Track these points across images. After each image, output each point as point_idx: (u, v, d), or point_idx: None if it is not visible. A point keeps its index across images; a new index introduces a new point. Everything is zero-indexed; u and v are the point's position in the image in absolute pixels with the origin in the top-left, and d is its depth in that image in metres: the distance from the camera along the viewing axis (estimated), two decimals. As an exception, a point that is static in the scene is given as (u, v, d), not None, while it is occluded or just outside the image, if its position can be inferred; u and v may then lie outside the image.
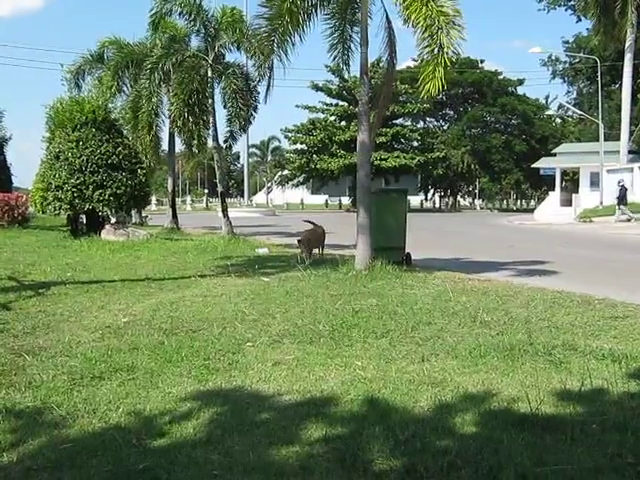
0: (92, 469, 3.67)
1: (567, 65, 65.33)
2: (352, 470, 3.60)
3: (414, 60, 52.07)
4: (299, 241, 14.25)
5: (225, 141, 23.40)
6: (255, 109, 23.29)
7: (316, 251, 14.65)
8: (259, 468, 3.66)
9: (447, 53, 10.93)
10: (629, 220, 33.16)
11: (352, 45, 13.48)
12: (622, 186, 35.05)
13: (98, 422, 4.41)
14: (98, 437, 4.13)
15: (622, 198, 34.54)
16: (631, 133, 42.73)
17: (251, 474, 3.60)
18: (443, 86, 11.20)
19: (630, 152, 42.48)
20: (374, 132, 14.95)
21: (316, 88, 63.81)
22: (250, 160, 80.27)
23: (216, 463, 3.73)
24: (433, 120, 79.44)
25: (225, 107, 23.01)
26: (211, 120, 22.68)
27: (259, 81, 17.92)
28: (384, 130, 59.58)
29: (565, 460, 3.70)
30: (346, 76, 58.80)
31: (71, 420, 4.44)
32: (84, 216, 21.82)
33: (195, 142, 24.16)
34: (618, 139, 42.28)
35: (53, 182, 20.40)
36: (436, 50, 10.99)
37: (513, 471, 3.53)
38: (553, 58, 65.84)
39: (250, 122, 23.90)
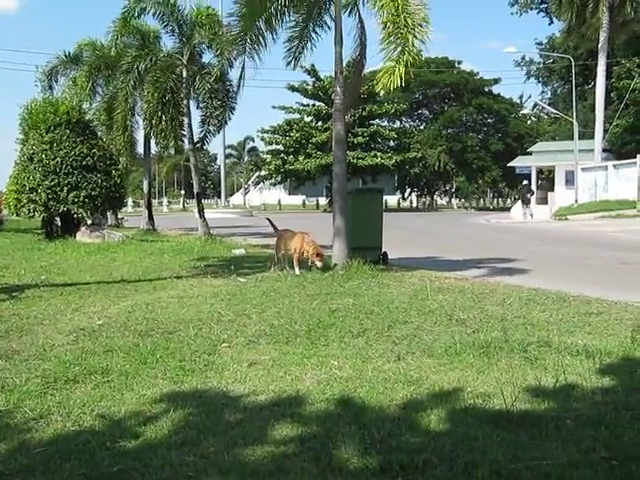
0: (66, 473, 3.64)
1: (541, 66, 65.85)
2: (327, 469, 3.59)
3: (388, 59, 52.10)
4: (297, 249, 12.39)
5: (199, 142, 23.29)
6: (232, 110, 23.23)
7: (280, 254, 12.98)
8: (234, 469, 3.63)
9: (409, 53, 10.95)
10: (524, 218, 37.99)
11: (309, 44, 13.75)
12: (524, 187, 40.34)
13: (72, 425, 4.36)
14: (72, 440, 4.08)
15: (524, 199, 39.28)
16: (605, 132, 43.12)
17: (226, 475, 3.58)
18: (399, 84, 11.21)
19: (604, 150, 42.89)
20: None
21: (292, 89, 63.68)
22: (227, 161, 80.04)
23: (191, 465, 3.71)
24: (409, 120, 79.64)
25: (199, 107, 22.95)
26: (186, 121, 22.56)
27: (239, 84, 17.90)
28: (361, 130, 59.70)
29: (540, 456, 3.71)
30: (321, 76, 58.90)
31: (44, 424, 4.39)
32: (59, 218, 21.60)
33: (169, 143, 24.00)
34: (592, 138, 42.65)
35: (27, 184, 20.20)
36: (399, 49, 11.03)
37: (488, 468, 3.54)
38: (527, 59, 66.48)
39: (226, 123, 23.85)
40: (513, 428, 4.12)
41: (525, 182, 41.23)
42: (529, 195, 39.33)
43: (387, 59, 11.27)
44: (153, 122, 21.43)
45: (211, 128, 23.05)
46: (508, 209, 55.26)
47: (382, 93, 11.98)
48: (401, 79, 11.07)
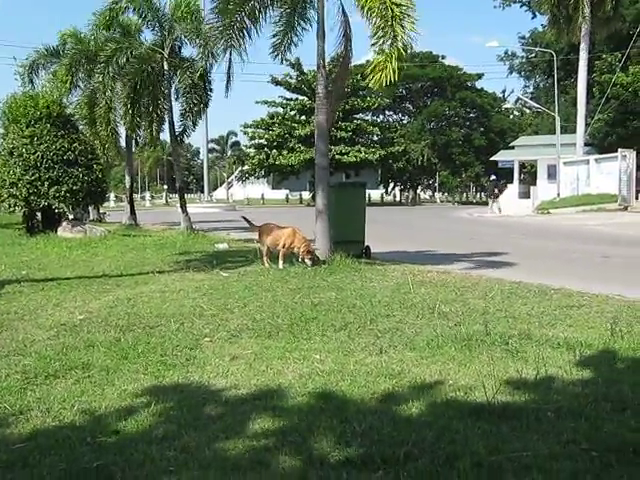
0: (45, 468, 3.62)
1: (524, 60, 66.07)
2: (309, 463, 3.59)
3: (375, 52, 52.23)
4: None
5: (179, 135, 23.18)
6: (206, 104, 23.18)
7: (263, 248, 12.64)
8: (215, 463, 3.63)
9: (400, 45, 10.96)
10: (491, 211, 39.53)
11: (295, 38, 13.71)
12: (492, 182, 42.81)
13: (52, 421, 4.35)
14: (52, 436, 4.06)
15: (491, 193, 41.89)
16: (587, 126, 43.35)
17: (207, 469, 3.57)
18: (393, 78, 11.20)
19: (586, 144, 43.14)
20: (330, 127, 15.07)
21: (275, 82, 63.56)
22: (210, 155, 79.89)
23: (172, 459, 3.70)
24: (392, 114, 79.75)
25: (178, 101, 22.84)
26: (167, 115, 22.43)
27: (228, 79, 17.76)
28: (344, 124, 59.66)
29: (520, 448, 3.73)
30: (305, 69, 58.82)
31: (24, 420, 4.37)
32: (40, 213, 21.42)
33: (147, 136, 23.83)
34: (574, 132, 42.84)
35: (7, 179, 19.99)
36: (389, 41, 11.03)
37: (469, 460, 3.55)
38: (510, 53, 66.64)
39: (200, 117, 23.76)
40: (494, 420, 4.14)
41: (493, 177, 43.29)
42: (496, 190, 41.36)
43: (377, 53, 11.28)
44: (128, 114, 21.29)
45: (190, 122, 22.95)
46: (490, 203, 55.54)
47: (375, 88, 11.96)
48: (394, 73, 11.07)
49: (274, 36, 13.61)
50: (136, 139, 25.17)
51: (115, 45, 21.60)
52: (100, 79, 21.65)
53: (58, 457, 3.74)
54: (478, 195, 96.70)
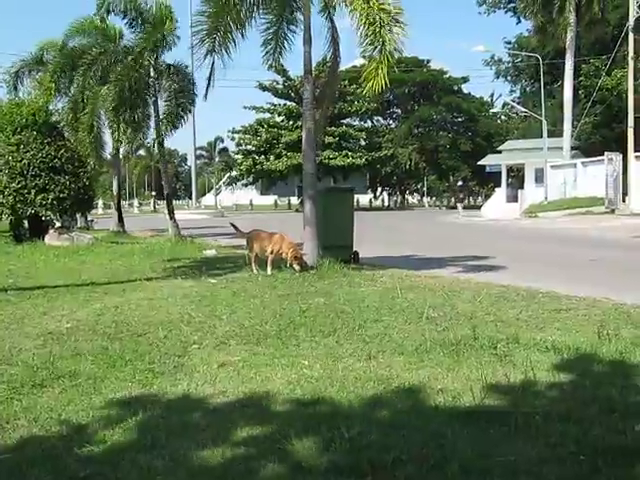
0: (32, 479, 3.58)
1: (510, 65, 66.27)
2: (297, 470, 3.57)
3: (364, 57, 52.42)
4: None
5: (160, 136, 23.14)
6: (186, 110, 23.21)
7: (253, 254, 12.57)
8: (204, 472, 3.62)
9: (389, 51, 10.99)
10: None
11: (286, 43, 13.71)
12: (459, 187, 47.57)
13: (39, 431, 4.31)
14: (38, 446, 4.02)
15: (458, 198, 46.44)
16: (574, 130, 43.59)
17: (196, 478, 3.56)
18: (386, 84, 11.24)
19: (573, 148, 43.38)
20: (320, 132, 15.09)
21: (263, 88, 63.72)
22: (198, 162, 79.77)
23: (160, 468, 3.67)
24: (380, 119, 79.95)
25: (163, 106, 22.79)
26: (153, 121, 22.37)
27: (208, 83, 17.68)
28: (331, 129, 59.76)
29: (509, 452, 3.73)
30: (292, 75, 58.90)
31: (11, 430, 4.33)
32: (27, 221, 21.32)
33: (132, 141, 23.78)
34: (561, 136, 43.12)
35: (-6, 187, 19.91)
36: (379, 48, 11.05)
37: (457, 465, 3.55)
38: (496, 58, 66.82)
39: (185, 121, 23.81)
40: (482, 425, 4.14)
41: (460, 183, 46.12)
42: (462, 195, 45.02)
43: (366, 59, 11.31)
44: (113, 120, 21.23)
45: (172, 127, 22.89)
46: (479, 207, 55.68)
47: (369, 95, 12.08)
48: (384, 79, 11.09)
49: (264, 44, 13.60)
50: (128, 145, 25.10)
51: (99, 49, 21.51)
52: (81, 81, 21.55)
53: (45, 467, 3.71)
54: (466, 199, 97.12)
